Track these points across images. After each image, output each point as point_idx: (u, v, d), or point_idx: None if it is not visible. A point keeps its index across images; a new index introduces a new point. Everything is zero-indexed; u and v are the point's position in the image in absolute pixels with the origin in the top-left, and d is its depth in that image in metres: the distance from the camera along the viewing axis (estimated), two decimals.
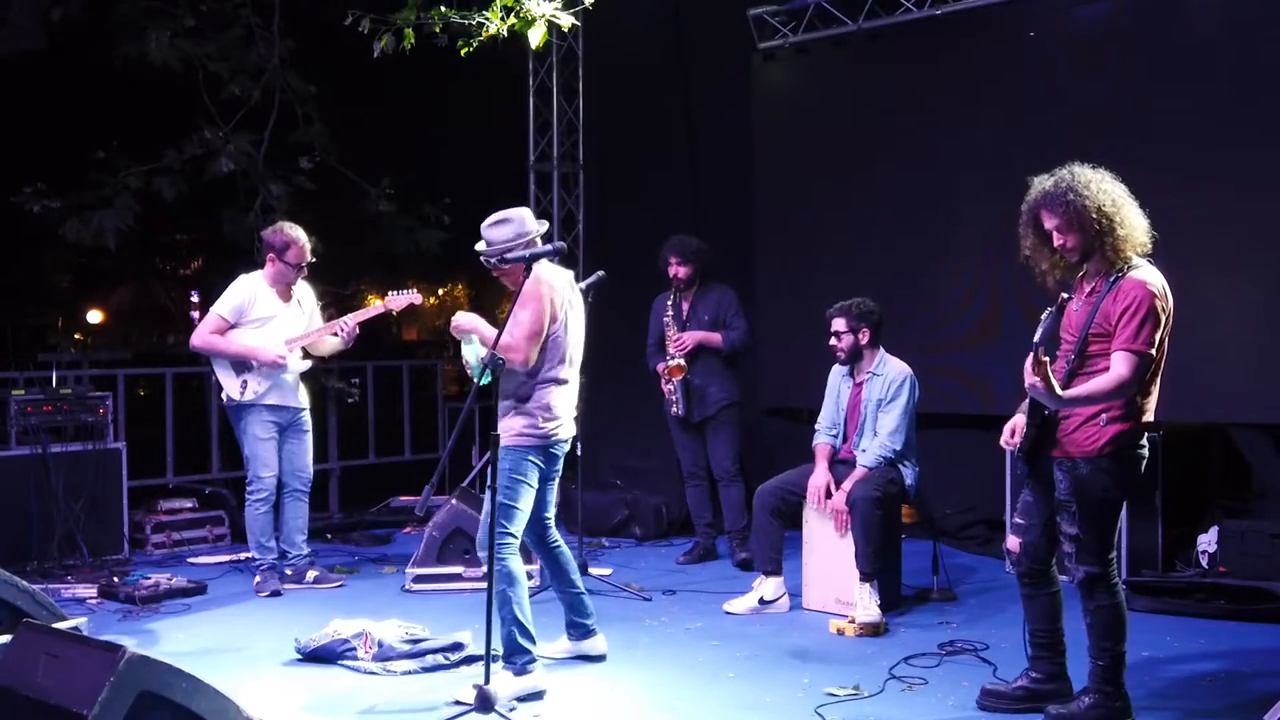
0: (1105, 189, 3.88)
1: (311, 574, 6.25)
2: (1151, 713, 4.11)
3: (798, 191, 7.97)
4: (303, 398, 6.23)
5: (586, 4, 6.13)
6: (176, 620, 5.63)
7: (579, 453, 6.39)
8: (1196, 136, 6.14)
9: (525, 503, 4.50)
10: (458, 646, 4.81)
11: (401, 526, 7.95)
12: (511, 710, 4.15)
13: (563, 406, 4.57)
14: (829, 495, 5.58)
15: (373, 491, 8.75)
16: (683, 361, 6.66)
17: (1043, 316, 3.92)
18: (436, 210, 8.65)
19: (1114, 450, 3.86)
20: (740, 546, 6.63)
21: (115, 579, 6.15)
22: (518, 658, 4.40)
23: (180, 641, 5.25)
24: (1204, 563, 5.98)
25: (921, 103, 7.33)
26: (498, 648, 4.35)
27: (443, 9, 6.19)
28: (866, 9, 7.44)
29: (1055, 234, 3.94)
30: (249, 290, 6.08)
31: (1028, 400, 3.96)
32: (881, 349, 5.74)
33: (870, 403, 5.67)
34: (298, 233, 6.10)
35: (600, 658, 4.85)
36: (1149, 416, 3.92)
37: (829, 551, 5.59)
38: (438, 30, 6.29)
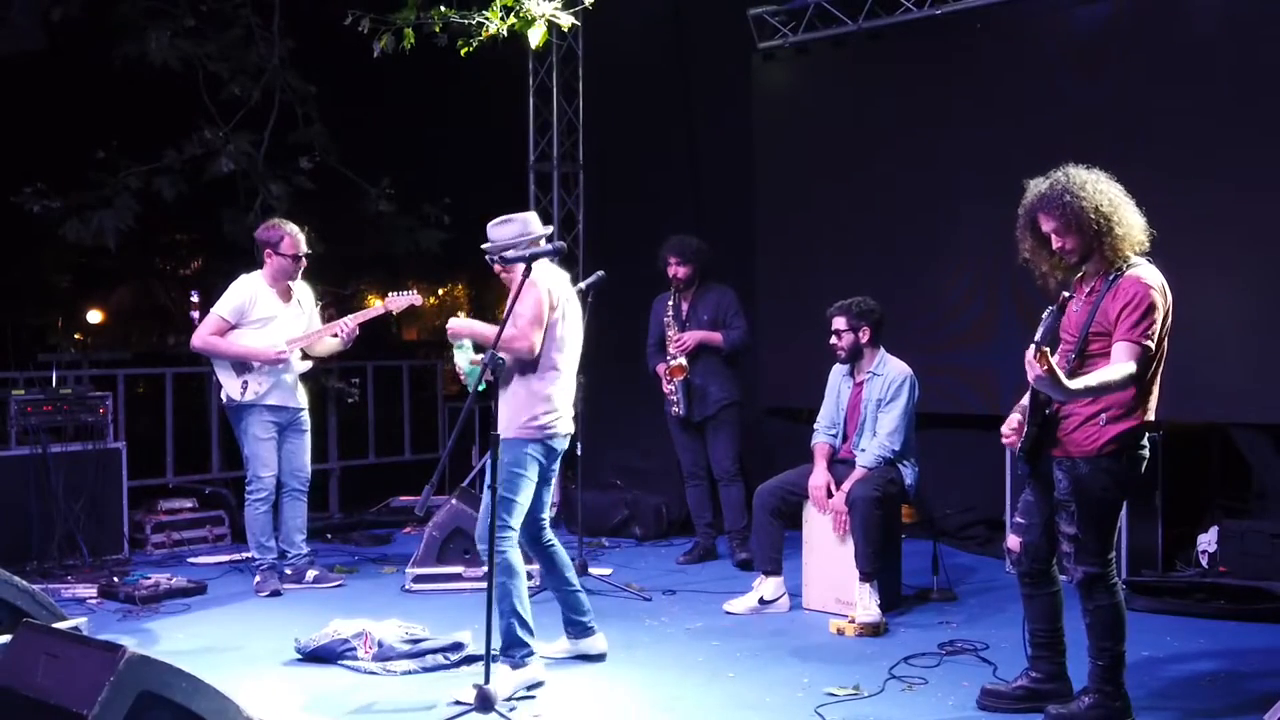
0: (1102, 189, 3.88)
1: (311, 574, 6.25)
2: (1151, 713, 4.11)
3: (798, 191, 7.97)
4: (302, 398, 6.24)
5: (586, 4, 6.13)
6: (176, 620, 5.63)
7: (579, 453, 6.40)
8: (1196, 136, 6.14)
9: (524, 496, 4.52)
10: (458, 646, 4.81)
11: (401, 526, 7.95)
12: (511, 710, 4.15)
13: (561, 399, 4.61)
14: (829, 495, 5.58)
15: (373, 491, 8.75)
16: (684, 361, 6.66)
17: (1044, 315, 3.92)
18: (436, 210, 8.65)
19: (1114, 450, 3.85)
20: (740, 546, 6.63)
21: (115, 579, 6.15)
22: (515, 650, 4.42)
23: (180, 641, 5.25)
24: (1204, 563, 5.98)
25: (921, 103, 7.33)
26: (498, 647, 4.36)
27: (443, 9, 6.19)
28: (866, 9, 7.44)
29: (1053, 236, 3.94)
30: (249, 291, 6.08)
31: (1027, 396, 3.96)
32: (882, 348, 5.75)
33: (870, 402, 5.67)
34: (288, 225, 6.14)
35: (600, 657, 4.85)
36: (1149, 416, 3.91)
37: (829, 551, 5.59)
38: (437, 30, 6.29)
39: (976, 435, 6.93)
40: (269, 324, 6.07)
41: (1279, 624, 5.23)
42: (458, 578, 6.12)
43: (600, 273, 5.81)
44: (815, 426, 5.89)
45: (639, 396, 7.48)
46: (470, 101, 11.29)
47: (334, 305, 6.52)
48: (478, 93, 10.33)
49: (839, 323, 5.70)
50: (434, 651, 4.78)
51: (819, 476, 5.66)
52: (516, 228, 4.62)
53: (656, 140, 8.56)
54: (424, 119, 12.70)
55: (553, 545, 4.81)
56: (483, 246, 4.70)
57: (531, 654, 4.46)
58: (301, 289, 6.27)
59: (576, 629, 4.85)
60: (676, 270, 6.73)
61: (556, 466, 4.73)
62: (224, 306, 6.06)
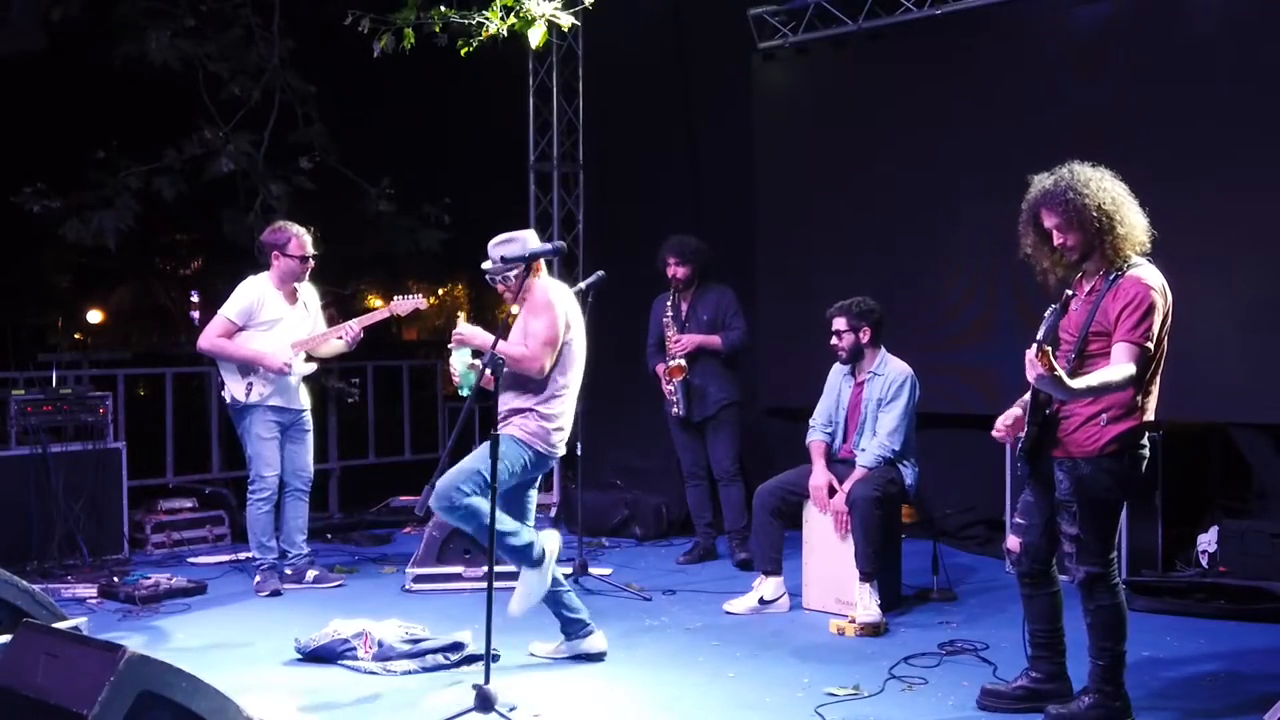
0: (1105, 187, 3.87)
1: (311, 574, 6.25)
2: (1151, 713, 4.11)
3: (798, 191, 7.97)
4: (304, 399, 6.25)
5: (586, 4, 6.13)
6: (176, 620, 5.63)
7: (579, 453, 6.41)
8: (1196, 136, 6.14)
9: (495, 482, 4.46)
10: (458, 646, 4.81)
11: (401, 526, 7.95)
12: (511, 710, 4.15)
13: (568, 418, 4.69)
14: (830, 495, 5.58)
15: (373, 491, 8.75)
16: (683, 362, 6.66)
17: (1046, 314, 3.92)
18: (436, 210, 8.65)
19: (1115, 450, 3.85)
20: (740, 546, 6.63)
21: (115, 579, 6.15)
22: (527, 559, 4.53)
23: (180, 641, 5.26)
24: (1204, 563, 5.97)
25: (921, 103, 7.33)
26: (498, 647, 4.36)
27: (443, 9, 6.19)
28: (866, 9, 7.44)
29: (1055, 233, 3.94)
30: (256, 293, 6.09)
31: (1028, 394, 3.96)
32: (883, 348, 5.75)
33: (871, 402, 5.67)
34: (294, 226, 6.16)
35: (600, 656, 4.85)
36: (1149, 416, 3.91)
37: (829, 551, 5.59)
38: (438, 30, 6.29)
39: (976, 435, 6.88)
40: (275, 326, 6.07)
41: (1279, 624, 5.23)
42: (458, 578, 6.12)
43: (600, 273, 5.81)
44: (811, 424, 5.88)
45: (639, 396, 7.48)
46: (470, 101, 11.29)
47: (334, 305, 6.53)
48: (478, 93, 10.33)
49: (839, 323, 5.70)
50: (434, 651, 4.77)
51: (819, 476, 5.66)
52: (519, 246, 4.62)
53: (656, 140, 8.56)
54: (424, 119, 12.71)
55: None
56: (484, 266, 4.69)
57: (542, 558, 4.54)
58: (307, 291, 6.29)
59: (573, 627, 4.84)
60: (676, 270, 6.73)
61: (539, 476, 4.80)
62: (231, 308, 6.06)
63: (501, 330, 4.48)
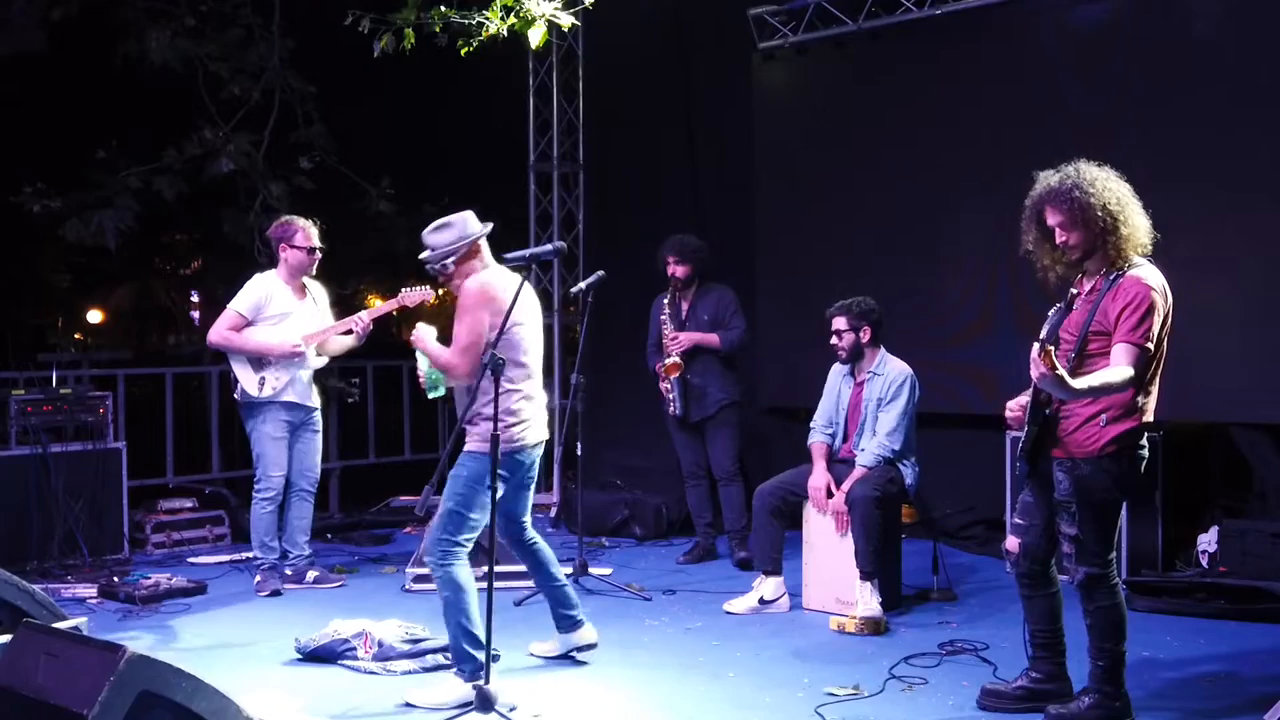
0: (1111, 187, 3.87)
1: (311, 574, 6.25)
2: (1151, 713, 4.11)
3: (798, 191, 7.97)
4: (316, 398, 6.26)
5: (586, 4, 6.13)
6: (176, 620, 5.63)
7: (579, 453, 6.40)
8: (1196, 137, 6.14)
9: (480, 513, 4.35)
10: None
11: (401, 526, 7.96)
12: (512, 710, 4.15)
13: (529, 408, 4.49)
14: (829, 495, 5.58)
15: (373, 491, 8.75)
16: (678, 359, 6.65)
17: (1050, 313, 3.91)
18: (437, 210, 8.61)
19: (1115, 450, 3.85)
20: (740, 546, 6.63)
21: (115, 579, 6.15)
22: (465, 665, 4.28)
23: (180, 641, 5.26)
24: (1204, 563, 5.97)
25: (922, 103, 7.33)
26: (498, 647, 4.35)
27: (443, 9, 6.19)
28: (866, 9, 7.44)
29: (1058, 230, 3.94)
30: (265, 288, 6.10)
31: (1030, 391, 3.96)
32: (883, 348, 5.75)
33: (871, 402, 5.67)
34: (299, 219, 6.19)
35: (592, 645, 4.82)
36: (1149, 416, 3.91)
37: (829, 551, 5.59)
38: (438, 30, 6.29)
39: (977, 435, 6.93)
40: (284, 320, 6.08)
41: (1279, 624, 5.23)
42: None
43: (600, 273, 5.81)
44: (812, 425, 5.89)
45: (639, 396, 7.48)
46: (470, 102, 11.29)
47: (334, 305, 6.53)
48: (478, 93, 10.33)
49: (839, 323, 5.70)
50: (434, 651, 4.77)
51: (819, 477, 5.66)
52: (455, 231, 4.48)
53: (657, 140, 8.56)
54: (424, 119, 12.70)
55: (535, 543, 4.78)
56: (421, 257, 4.53)
57: (481, 668, 4.12)
58: (315, 286, 6.30)
59: (566, 623, 4.83)
60: (675, 269, 6.73)
61: (535, 472, 4.64)
62: (240, 303, 6.07)
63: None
